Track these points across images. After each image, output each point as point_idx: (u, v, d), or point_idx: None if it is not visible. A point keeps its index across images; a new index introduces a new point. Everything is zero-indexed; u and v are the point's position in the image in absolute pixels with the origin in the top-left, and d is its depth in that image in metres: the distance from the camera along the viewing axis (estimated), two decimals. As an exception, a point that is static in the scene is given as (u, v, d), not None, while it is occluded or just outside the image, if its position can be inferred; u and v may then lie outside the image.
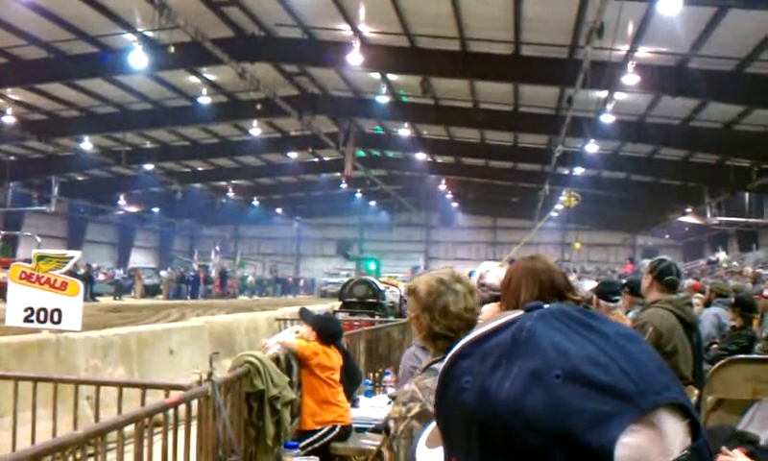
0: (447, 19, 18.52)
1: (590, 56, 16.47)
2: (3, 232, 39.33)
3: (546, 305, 0.73)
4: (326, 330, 6.40)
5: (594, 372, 0.65)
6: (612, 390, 0.64)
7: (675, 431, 0.66)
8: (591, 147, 28.14)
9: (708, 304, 9.26)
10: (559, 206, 38.00)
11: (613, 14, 14.44)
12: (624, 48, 18.45)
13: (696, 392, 4.61)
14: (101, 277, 40.82)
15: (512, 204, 47.37)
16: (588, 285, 7.89)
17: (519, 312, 0.73)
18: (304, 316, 6.77)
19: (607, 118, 23.61)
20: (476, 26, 19.07)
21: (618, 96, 21.66)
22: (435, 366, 2.79)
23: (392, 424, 2.65)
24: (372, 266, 53.22)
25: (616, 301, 5.99)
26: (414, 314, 2.89)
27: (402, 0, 18.23)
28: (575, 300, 3.52)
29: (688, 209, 39.09)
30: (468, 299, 2.85)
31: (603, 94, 21.56)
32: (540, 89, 23.16)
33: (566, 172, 33.88)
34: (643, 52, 18.93)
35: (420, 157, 37.71)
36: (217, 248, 56.59)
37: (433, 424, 0.78)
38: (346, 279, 48.33)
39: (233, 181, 47.00)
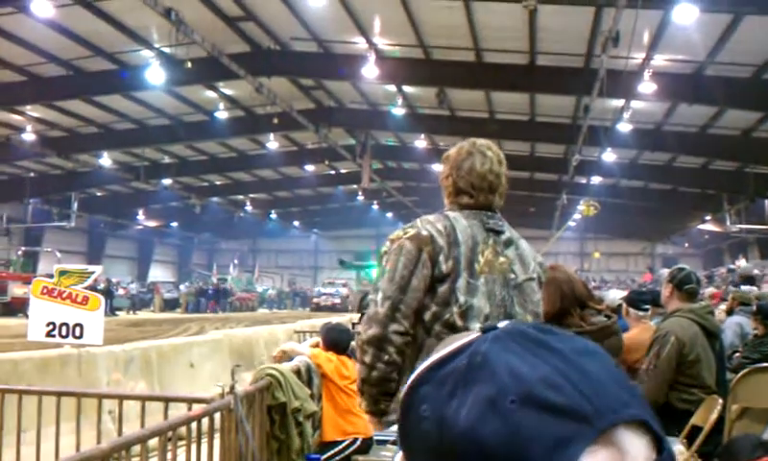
0: (462, 30, 18.55)
1: (606, 64, 16.43)
2: (23, 248, 39.69)
3: (501, 325, 0.72)
4: (333, 340, 6.35)
5: (549, 394, 0.63)
6: (569, 412, 0.63)
7: (637, 448, 0.64)
8: (609, 156, 28.03)
9: (730, 313, 9.19)
10: (577, 216, 37.83)
11: (629, 23, 14.40)
12: (640, 56, 18.41)
13: (720, 401, 4.58)
14: (120, 291, 41.03)
15: (529, 213, 47.19)
16: (613, 294, 7.84)
17: (475, 334, 0.72)
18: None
19: (624, 127, 23.50)
20: (491, 37, 19.07)
21: (635, 104, 21.58)
22: (446, 212, 2.88)
23: (388, 243, 2.80)
24: (375, 273, 48.91)
25: (646, 309, 5.96)
26: (444, 176, 3.01)
27: (417, 12, 18.27)
28: (597, 308, 3.53)
29: (708, 217, 38.83)
30: (495, 164, 2.95)
31: (620, 103, 21.49)
32: (557, 99, 23.13)
33: (584, 181, 33.77)
34: (660, 60, 18.87)
35: (437, 168, 37.69)
36: (235, 261, 56.76)
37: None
38: (342, 290, 45.77)
39: (251, 195, 47.16)
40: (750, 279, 15.15)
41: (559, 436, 0.62)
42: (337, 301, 45.44)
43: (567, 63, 19.92)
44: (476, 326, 2.60)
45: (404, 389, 0.73)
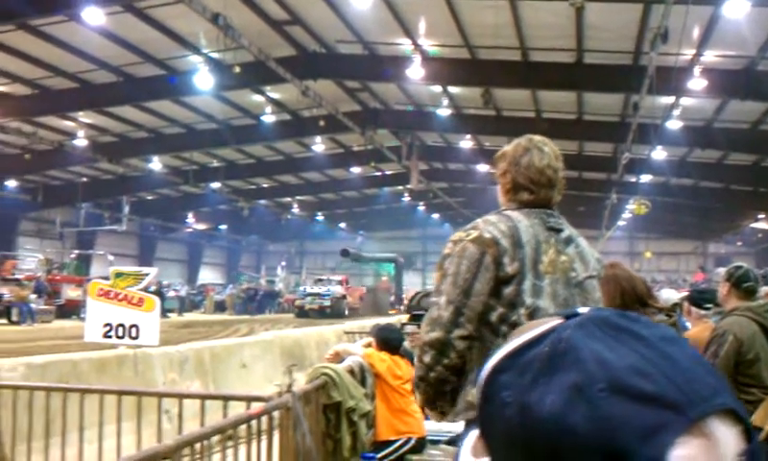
0: (508, 29, 18.47)
1: (655, 61, 16.21)
2: (77, 251, 40.48)
3: (583, 310, 0.72)
4: (385, 340, 6.38)
5: (639, 382, 0.63)
6: (660, 400, 0.62)
7: (728, 438, 0.64)
8: (659, 154, 27.62)
9: (786, 311, 8.99)
10: (627, 215, 37.35)
11: (679, 19, 14.20)
12: (690, 53, 18.14)
13: (780, 400, 4.50)
14: (171, 293, 41.55)
15: (578, 213, 46.67)
16: (666, 294, 7.73)
17: (557, 320, 0.72)
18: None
19: (674, 124, 23.18)
20: (537, 35, 18.96)
21: (685, 101, 21.28)
22: (506, 211, 2.83)
23: (450, 245, 2.75)
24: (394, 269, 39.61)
25: (708, 308, 5.86)
26: (501, 172, 2.96)
27: (462, 12, 18.24)
28: (657, 307, 3.51)
29: (761, 215, 38.04)
30: (553, 159, 2.92)
31: (669, 100, 21.19)
32: (605, 97, 22.90)
33: (633, 180, 33.27)
34: (710, 56, 18.57)
35: (483, 168, 37.55)
36: (283, 263, 57.14)
37: (477, 433, 0.76)
38: (336, 289, 36.88)
39: (298, 197, 47.52)
40: None
41: (650, 424, 0.62)
42: (326, 303, 35.11)
43: (615, 61, 19.72)
44: None
45: (483, 376, 0.72)
